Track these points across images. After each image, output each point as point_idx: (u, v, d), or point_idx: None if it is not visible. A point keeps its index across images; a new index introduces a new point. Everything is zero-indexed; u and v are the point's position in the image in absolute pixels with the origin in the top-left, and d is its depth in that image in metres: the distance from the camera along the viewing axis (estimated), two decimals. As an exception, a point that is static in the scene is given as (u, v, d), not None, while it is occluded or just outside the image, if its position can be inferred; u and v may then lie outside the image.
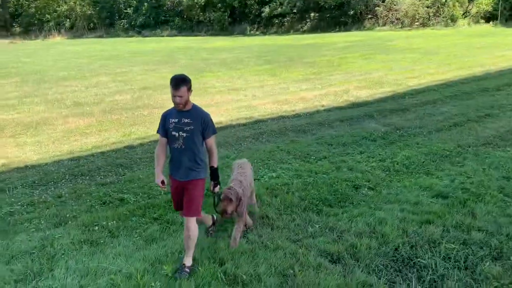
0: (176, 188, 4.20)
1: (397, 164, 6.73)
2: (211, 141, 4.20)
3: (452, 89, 12.49)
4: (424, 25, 34.98)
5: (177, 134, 4.01)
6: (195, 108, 4.16)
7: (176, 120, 4.04)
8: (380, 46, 23.81)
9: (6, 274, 3.75)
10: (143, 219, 5.14)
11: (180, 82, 3.96)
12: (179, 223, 4.86)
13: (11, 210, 5.60)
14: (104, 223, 4.97)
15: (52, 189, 6.37)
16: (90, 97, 13.41)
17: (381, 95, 12.20)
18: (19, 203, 5.81)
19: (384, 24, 36.62)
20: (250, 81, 15.08)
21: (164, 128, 4.10)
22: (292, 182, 6.04)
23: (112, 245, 4.46)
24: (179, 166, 4.10)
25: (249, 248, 4.28)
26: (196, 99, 12.45)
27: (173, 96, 3.94)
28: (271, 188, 5.85)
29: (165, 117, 4.12)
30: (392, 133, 8.48)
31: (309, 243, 4.35)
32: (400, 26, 35.73)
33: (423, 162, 6.80)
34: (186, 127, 4.00)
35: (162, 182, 4.06)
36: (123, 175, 6.79)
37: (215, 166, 4.14)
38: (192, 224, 3.99)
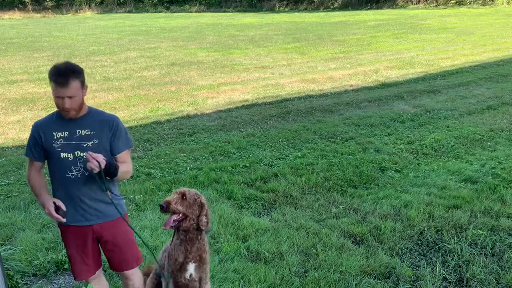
0: (76, 239, 2.71)
1: (426, 147, 6.59)
2: (125, 158, 2.71)
3: (486, 71, 12.05)
4: (460, 3, 33.64)
5: (70, 156, 2.57)
6: (94, 112, 2.70)
7: (66, 134, 2.58)
8: (412, 25, 23.08)
9: (38, 242, 3.91)
10: (169, 194, 5.22)
11: (68, 74, 2.42)
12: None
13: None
14: (132, 196, 5.09)
15: (82, 161, 6.54)
16: (119, 72, 13.57)
17: (412, 75, 11.89)
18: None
19: (418, 2, 35.40)
20: (278, 59, 14.93)
21: (39, 148, 2.61)
22: (317, 162, 6.01)
23: (138, 218, 4.57)
24: (76, 205, 2.63)
25: (272, 226, 4.31)
26: (223, 76, 12.48)
27: (58, 98, 2.45)
28: (296, 168, 5.84)
29: (40, 131, 2.60)
30: (422, 115, 8.28)
31: (332, 224, 4.35)
32: (434, 4, 34.48)
33: (453, 145, 6.64)
34: (85, 143, 2.57)
35: (57, 209, 2.51)
36: (150, 150, 6.90)
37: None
38: (136, 276, 2.92)
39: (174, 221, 2.57)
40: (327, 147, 6.72)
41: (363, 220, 4.45)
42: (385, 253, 3.83)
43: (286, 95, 10.25)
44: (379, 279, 3.48)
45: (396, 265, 3.63)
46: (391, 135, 7.25)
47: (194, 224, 2.63)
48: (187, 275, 2.72)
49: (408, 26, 22.95)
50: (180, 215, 2.59)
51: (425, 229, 4.22)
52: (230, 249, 3.83)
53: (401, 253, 3.88)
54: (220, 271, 3.49)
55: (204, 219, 2.64)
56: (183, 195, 2.62)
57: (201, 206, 2.65)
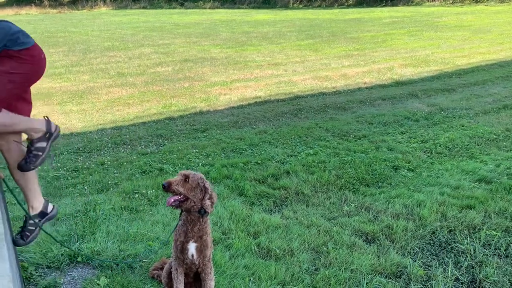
0: None
1: (440, 146, 6.52)
2: None
3: (503, 70, 11.85)
4: (477, 1, 33.10)
5: None
6: None
7: None
8: (428, 23, 22.80)
9: (53, 235, 3.96)
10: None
11: None
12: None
13: (57, 175, 5.87)
14: (144, 191, 5.13)
15: (96, 156, 6.61)
16: (133, 68, 13.67)
17: (426, 74, 11.76)
18: (65, 169, 6.08)
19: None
20: (291, 56, 14.89)
21: None
22: (329, 160, 5.99)
23: (151, 213, 4.60)
24: None
25: (283, 223, 4.31)
26: (235, 73, 12.48)
27: None
28: (308, 165, 5.82)
29: None
30: (436, 114, 8.19)
31: (344, 222, 4.33)
32: (451, 1, 33.99)
33: (467, 145, 6.55)
34: None
35: None
36: (163, 146, 6.94)
37: None
38: None
39: (174, 200, 2.69)
40: (340, 145, 6.69)
41: (375, 218, 4.42)
42: (396, 252, 3.80)
43: (299, 92, 10.22)
44: (390, 278, 3.46)
45: (408, 265, 3.61)
46: (404, 133, 7.19)
47: (195, 207, 2.75)
48: (189, 255, 2.83)
49: (423, 23, 22.68)
50: (181, 196, 2.70)
51: (438, 229, 4.18)
52: (241, 245, 3.84)
53: (413, 252, 3.85)
54: (231, 267, 3.50)
55: (207, 202, 2.75)
56: (186, 178, 2.72)
57: (205, 190, 2.76)
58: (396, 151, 6.35)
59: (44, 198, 3.12)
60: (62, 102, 9.79)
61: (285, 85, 10.98)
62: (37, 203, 3.05)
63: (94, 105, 9.59)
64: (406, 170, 5.71)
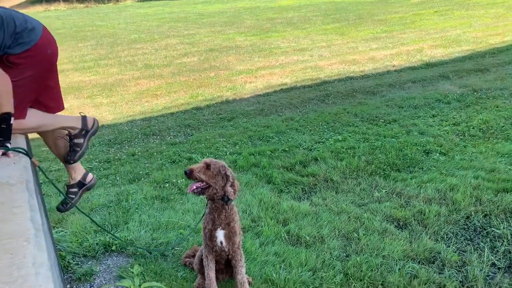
0: None
1: (473, 128, 6.31)
2: None
3: (541, 47, 11.34)
4: (511, -25, 31.63)
5: None
6: None
7: None
8: (459, 1, 22.00)
9: (87, 225, 4.08)
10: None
11: None
12: (243, 183, 4.96)
13: (90, 166, 6.02)
14: (174, 180, 5.20)
15: (126, 147, 6.75)
16: (160, 59, 13.80)
17: (458, 54, 11.38)
18: (97, 160, 6.23)
19: (465, -24, 33.60)
20: (317, 41, 14.68)
21: None
22: (359, 146, 5.90)
23: (181, 201, 4.67)
24: None
25: (313, 210, 4.29)
26: (261, 60, 12.42)
27: None
28: (336, 151, 5.76)
29: None
30: (469, 95, 7.93)
31: (374, 208, 4.27)
32: (483, -23, 32.61)
33: (503, 126, 6.32)
34: None
35: None
36: (191, 135, 7.01)
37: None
38: None
39: (196, 187, 2.75)
40: (369, 130, 6.58)
41: (407, 204, 4.34)
42: (429, 238, 3.73)
43: (325, 78, 10.08)
44: (423, 264, 3.41)
45: (441, 250, 3.54)
46: (436, 116, 7.00)
47: (218, 194, 2.78)
48: (218, 242, 2.88)
49: (454, 2, 21.89)
50: (203, 183, 2.74)
51: (472, 213, 4.08)
52: (271, 232, 3.86)
53: (447, 237, 3.77)
54: (261, 254, 3.52)
55: (229, 189, 2.78)
56: (207, 165, 2.76)
57: (226, 177, 2.78)
58: (427, 134, 6.20)
59: (84, 169, 3.33)
60: (92, 95, 10.00)
61: (311, 70, 10.86)
62: (77, 174, 3.27)
63: (123, 97, 9.76)
64: (438, 154, 5.57)
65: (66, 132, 3.14)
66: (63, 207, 3.27)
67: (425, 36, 14.07)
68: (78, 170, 3.29)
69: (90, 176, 3.37)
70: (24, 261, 1.40)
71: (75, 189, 3.29)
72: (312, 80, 9.98)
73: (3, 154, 2.29)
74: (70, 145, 3.14)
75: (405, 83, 9.15)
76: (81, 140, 3.11)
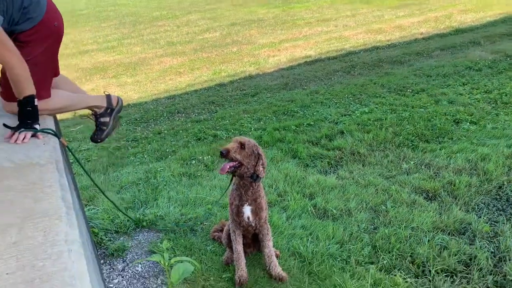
0: None
1: (506, 95, 6.08)
2: None
3: None
4: None
5: None
6: None
7: None
8: (491, -39, 20.90)
9: (118, 202, 4.18)
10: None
11: None
12: (269, 158, 4.96)
13: (118, 145, 6.14)
14: (200, 157, 5.25)
15: (152, 125, 6.83)
16: (182, 36, 13.76)
17: (489, 18, 10.89)
18: (125, 139, 6.34)
19: None
20: (341, 10, 14.30)
21: None
22: (386, 117, 5.79)
23: (208, 177, 4.72)
24: None
25: (339, 183, 4.26)
26: (284, 33, 12.22)
27: None
28: (363, 124, 5.67)
29: None
30: (501, 61, 7.61)
31: (403, 180, 4.21)
32: None
33: (538, 93, 6.07)
34: None
35: None
36: (215, 112, 7.02)
37: (22, 97, 2.40)
38: None
39: (230, 167, 2.74)
40: (396, 100, 6.43)
41: (436, 175, 4.26)
42: (459, 209, 3.66)
43: (350, 48, 9.86)
44: (453, 235, 3.35)
45: (472, 221, 3.47)
46: (466, 84, 6.77)
47: (248, 172, 2.80)
48: (245, 218, 2.91)
49: (485, -37, 20.83)
50: (236, 162, 2.75)
51: (505, 183, 3.96)
52: (297, 206, 3.86)
53: (478, 208, 3.69)
54: (288, 227, 3.54)
55: (261, 168, 2.80)
56: (242, 145, 2.76)
57: (258, 156, 2.80)
58: (457, 103, 6.02)
59: (104, 94, 3.20)
60: (117, 75, 10.11)
61: (336, 41, 10.62)
62: (98, 103, 3.15)
63: (147, 76, 9.83)
64: (468, 123, 5.41)
65: (91, 112, 3.17)
66: (97, 136, 3.17)
67: (454, 1, 13.50)
68: (98, 100, 3.15)
69: (114, 98, 3.24)
70: (57, 238, 1.44)
71: (106, 118, 3.16)
72: (337, 51, 9.78)
73: (33, 135, 2.34)
74: (96, 124, 3.17)
75: (433, 51, 8.85)
76: (107, 119, 3.14)
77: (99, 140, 3.19)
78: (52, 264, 1.32)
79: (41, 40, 2.60)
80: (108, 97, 3.17)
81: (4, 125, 2.35)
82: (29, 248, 1.41)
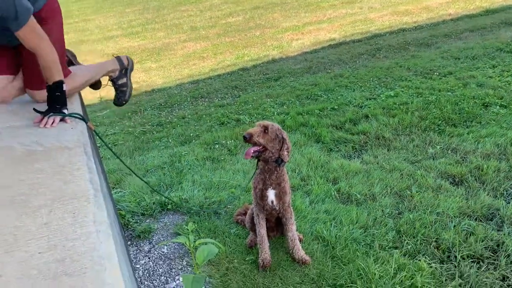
0: None
1: (539, 78, 5.87)
2: (23, 34, 2.31)
3: None
4: None
5: None
6: None
7: None
8: None
9: (144, 185, 4.27)
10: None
11: None
12: (292, 143, 4.95)
13: (143, 129, 6.23)
14: (223, 141, 5.28)
15: (176, 110, 6.89)
16: (205, 20, 13.74)
17: (523, -3, 10.46)
18: (150, 123, 6.43)
19: None
20: (366, -8, 13.99)
21: None
22: (412, 101, 5.67)
23: (231, 162, 4.75)
24: None
25: (364, 168, 4.23)
26: (307, 15, 12.05)
27: None
28: (388, 108, 5.58)
29: None
30: (535, 42, 7.33)
31: (428, 165, 4.14)
32: None
33: None
34: None
35: None
36: (238, 97, 7.02)
37: (51, 82, 2.45)
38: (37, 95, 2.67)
39: (254, 151, 2.75)
40: (423, 84, 6.29)
41: (463, 160, 4.17)
42: (487, 194, 3.58)
43: (376, 31, 9.65)
44: (481, 220, 3.29)
45: (500, 207, 3.39)
46: (496, 67, 6.55)
47: (273, 157, 2.80)
48: (269, 201, 2.92)
49: None
50: (260, 147, 2.74)
51: (536, 168, 3.85)
52: (321, 191, 3.86)
53: (506, 194, 3.60)
54: (312, 212, 3.55)
55: (285, 152, 2.80)
56: (265, 129, 2.76)
57: (282, 141, 2.80)
58: (486, 86, 5.84)
59: (113, 57, 3.24)
60: (141, 60, 10.20)
61: (361, 24, 10.41)
62: (113, 67, 3.19)
63: (171, 61, 9.88)
64: (498, 106, 5.25)
65: (108, 78, 3.19)
66: (120, 99, 3.24)
67: (485, -21, 13.01)
68: (110, 65, 3.18)
69: (124, 58, 3.27)
70: (86, 219, 1.49)
71: (123, 80, 3.19)
72: (362, 34, 9.59)
73: (61, 120, 2.40)
74: (116, 88, 3.20)
75: (462, 33, 8.58)
76: (124, 80, 3.18)
77: (124, 102, 3.22)
78: (81, 244, 1.37)
79: (55, 15, 2.65)
80: (119, 58, 3.19)
81: (34, 109, 2.42)
82: (59, 228, 1.46)
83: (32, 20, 2.32)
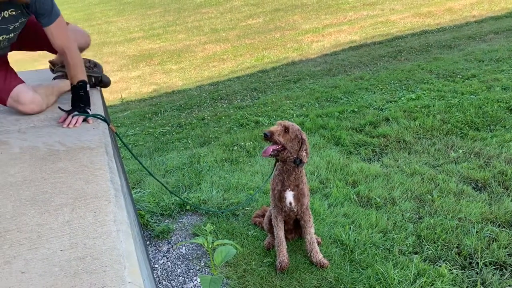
0: None
1: None
2: (55, 29, 2.43)
3: None
4: None
5: None
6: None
7: None
8: None
9: (163, 186, 4.31)
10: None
11: None
12: (311, 145, 4.93)
13: (163, 130, 6.29)
14: (242, 143, 5.29)
15: (196, 112, 6.94)
16: (225, 22, 13.81)
17: (551, -2, 10.20)
18: (170, 125, 6.49)
19: None
20: (388, -6, 13.84)
21: None
22: (434, 104, 5.59)
23: (250, 163, 4.75)
24: None
25: (384, 172, 4.18)
26: (328, 17, 12.00)
27: None
28: (409, 111, 5.50)
29: None
30: None
31: (450, 169, 4.07)
32: None
33: None
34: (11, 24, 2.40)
35: None
36: (257, 99, 7.03)
37: (76, 81, 2.53)
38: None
39: (273, 150, 2.74)
40: (445, 87, 6.18)
41: (486, 164, 4.08)
42: (511, 200, 3.50)
43: (397, 33, 9.54)
44: (504, 227, 3.21)
45: (525, 214, 3.31)
46: (522, 69, 6.41)
47: (291, 157, 2.79)
48: (287, 203, 2.91)
49: None
50: (279, 146, 2.74)
51: None
52: (340, 194, 3.83)
53: (532, 200, 3.51)
54: (330, 215, 3.52)
55: (304, 153, 2.80)
56: (286, 129, 2.75)
57: (302, 141, 2.80)
58: (511, 90, 5.71)
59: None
60: (162, 62, 10.32)
61: (382, 25, 10.31)
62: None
63: (191, 62, 9.96)
64: (524, 110, 5.13)
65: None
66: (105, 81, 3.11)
67: (511, -20, 12.72)
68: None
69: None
70: (106, 219, 1.51)
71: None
72: (383, 35, 9.49)
73: (84, 120, 2.45)
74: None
75: (486, 35, 8.40)
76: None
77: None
78: (102, 243, 1.39)
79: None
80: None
81: (59, 108, 2.47)
82: (80, 227, 1.48)
83: (63, 18, 2.41)
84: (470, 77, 6.43)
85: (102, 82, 3.06)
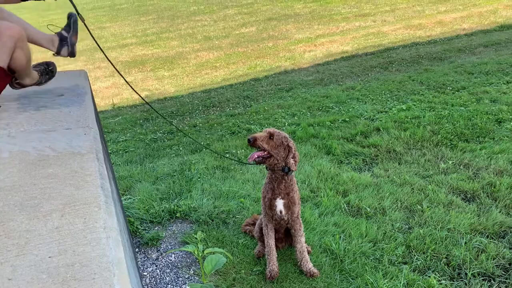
0: None
1: (554, 95, 5.80)
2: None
3: None
4: None
5: None
6: None
7: None
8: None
9: (153, 193, 4.28)
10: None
11: None
12: (302, 154, 4.94)
13: (155, 137, 6.27)
14: (234, 151, 5.29)
15: (188, 119, 6.93)
16: (218, 30, 13.86)
17: (538, 13, 10.40)
18: (161, 131, 6.47)
19: None
20: (380, 5, 14.00)
21: None
22: (424, 115, 5.64)
23: (241, 171, 4.75)
24: None
25: (374, 181, 4.20)
26: (320, 28, 12.10)
27: None
28: (400, 121, 5.55)
29: None
30: (550, 59, 7.27)
31: (440, 180, 4.10)
32: None
33: None
34: None
35: None
36: (250, 107, 7.05)
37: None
38: None
39: (258, 156, 2.74)
40: (436, 98, 6.25)
41: (475, 176, 4.12)
42: (499, 211, 3.53)
43: (389, 44, 9.65)
44: (492, 238, 3.24)
45: (513, 225, 3.34)
46: (510, 83, 6.50)
47: (278, 164, 2.78)
48: (278, 211, 2.91)
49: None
50: (265, 152, 2.74)
51: (550, 187, 3.79)
52: (330, 203, 3.83)
53: (520, 212, 3.55)
54: (321, 224, 3.52)
55: (291, 160, 2.78)
56: (271, 135, 2.75)
57: (288, 149, 2.78)
58: (500, 102, 5.79)
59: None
60: (154, 68, 10.30)
61: (374, 37, 10.42)
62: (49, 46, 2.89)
63: (184, 69, 9.97)
64: (512, 123, 5.20)
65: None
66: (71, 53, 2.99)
67: (500, -5, 12.96)
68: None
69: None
70: (96, 225, 1.50)
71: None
72: (375, 47, 9.59)
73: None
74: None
75: (476, 48, 8.54)
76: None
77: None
78: (91, 250, 1.37)
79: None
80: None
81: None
82: (70, 233, 1.47)
83: None
84: (460, 89, 6.52)
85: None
